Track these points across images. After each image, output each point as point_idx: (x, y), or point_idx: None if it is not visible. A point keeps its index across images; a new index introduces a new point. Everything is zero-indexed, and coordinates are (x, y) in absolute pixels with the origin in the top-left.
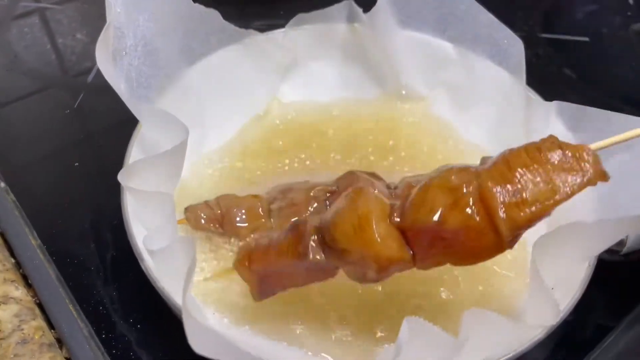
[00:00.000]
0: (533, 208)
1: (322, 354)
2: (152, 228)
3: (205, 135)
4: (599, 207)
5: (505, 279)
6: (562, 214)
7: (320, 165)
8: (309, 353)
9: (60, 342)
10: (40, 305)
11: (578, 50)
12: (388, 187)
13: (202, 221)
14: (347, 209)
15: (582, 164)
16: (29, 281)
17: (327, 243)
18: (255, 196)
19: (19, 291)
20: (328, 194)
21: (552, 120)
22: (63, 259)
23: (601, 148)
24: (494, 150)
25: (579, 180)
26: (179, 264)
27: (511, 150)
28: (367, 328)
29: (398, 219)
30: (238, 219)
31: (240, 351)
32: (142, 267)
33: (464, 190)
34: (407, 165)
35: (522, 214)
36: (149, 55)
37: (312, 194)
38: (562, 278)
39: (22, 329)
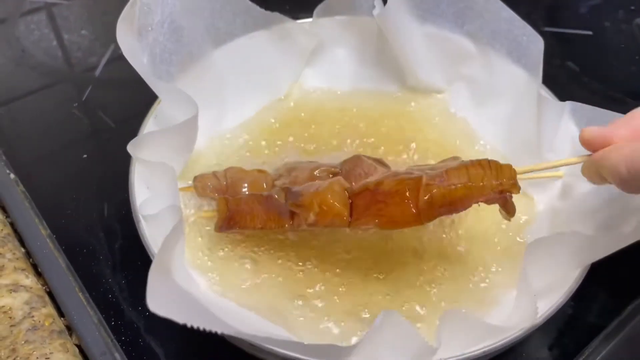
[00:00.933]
0: (448, 188)
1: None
2: (152, 195)
3: (224, 113)
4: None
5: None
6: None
7: (333, 150)
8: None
9: (70, 329)
10: (50, 294)
11: (581, 44)
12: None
13: (208, 190)
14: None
15: (500, 173)
16: (39, 270)
17: (292, 192)
18: (261, 171)
19: (29, 279)
20: (331, 175)
21: (564, 119)
22: (72, 249)
23: (525, 172)
24: (507, 148)
25: (495, 186)
26: (168, 229)
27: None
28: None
29: (352, 187)
30: (241, 191)
31: (202, 315)
32: (139, 232)
33: (408, 177)
34: (417, 157)
35: (437, 190)
36: (175, 33)
37: (315, 173)
38: (551, 281)
39: (33, 316)
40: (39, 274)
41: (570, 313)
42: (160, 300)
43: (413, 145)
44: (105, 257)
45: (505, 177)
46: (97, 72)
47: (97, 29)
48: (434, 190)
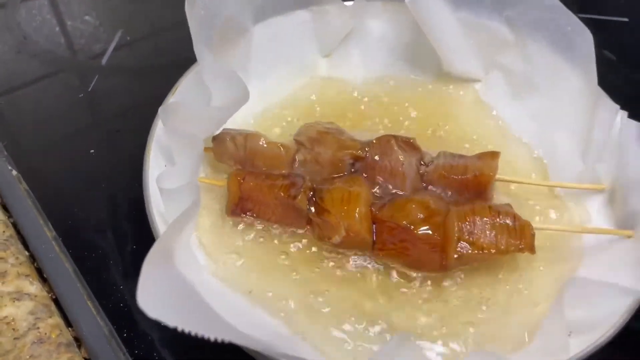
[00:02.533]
0: (476, 251)
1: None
2: (172, 167)
3: (250, 79)
4: None
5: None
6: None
7: (365, 129)
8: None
9: (78, 341)
10: (56, 302)
11: (617, 31)
12: (422, 159)
13: (225, 156)
14: (343, 185)
15: (522, 235)
16: (44, 275)
17: (315, 200)
18: (283, 146)
19: (33, 286)
20: (354, 161)
21: (615, 130)
22: (80, 252)
23: (541, 229)
24: (542, 147)
25: (515, 246)
26: (183, 205)
27: (479, 202)
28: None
29: (376, 211)
30: (260, 163)
31: (201, 318)
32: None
33: (437, 214)
34: (446, 146)
35: (468, 251)
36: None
37: (339, 154)
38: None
39: (38, 328)
40: (44, 279)
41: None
42: (154, 297)
43: (441, 133)
44: (116, 261)
45: (526, 239)
46: (104, 60)
47: (101, 14)
48: (465, 253)
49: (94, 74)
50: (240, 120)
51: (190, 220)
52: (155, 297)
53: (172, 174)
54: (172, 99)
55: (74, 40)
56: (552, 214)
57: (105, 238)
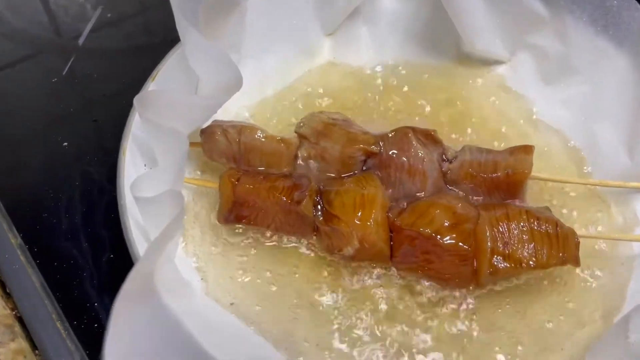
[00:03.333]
0: (513, 265)
1: None
2: (150, 171)
3: (244, 63)
4: None
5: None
6: None
7: (379, 117)
8: None
9: None
10: (21, 320)
11: None
12: (444, 154)
13: (216, 153)
14: (355, 186)
15: (565, 245)
16: (7, 290)
17: (322, 204)
18: (283, 140)
19: None
20: (366, 157)
21: None
22: (49, 262)
23: (586, 237)
24: (576, 142)
25: (557, 258)
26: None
27: (514, 205)
28: None
29: (394, 218)
30: (257, 160)
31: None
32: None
33: (466, 220)
34: (469, 140)
35: (504, 266)
36: None
37: (349, 150)
38: None
39: None
40: (7, 295)
41: None
42: (127, 349)
43: (465, 123)
44: (90, 273)
45: (569, 250)
46: (81, 40)
47: None
48: (500, 267)
49: (69, 56)
50: (233, 111)
51: (175, 234)
52: (128, 350)
53: (150, 179)
54: (151, 86)
55: (57, 18)
56: (593, 217)
57: (77, 246)
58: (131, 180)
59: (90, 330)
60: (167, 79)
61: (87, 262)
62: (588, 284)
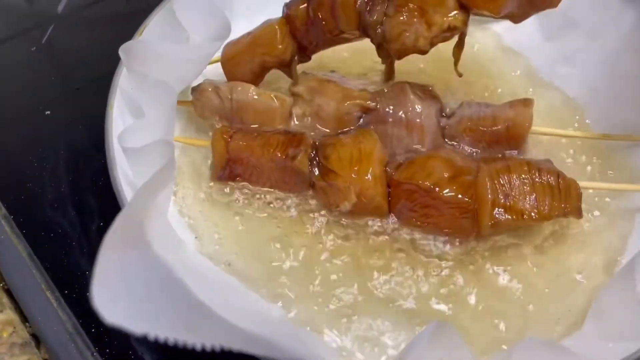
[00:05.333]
0: (515, 217)
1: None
2: (139, 121)
3: (235, 23)
4: None
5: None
6: None
7: (370, 76)
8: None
9: (37, 338)
10: (9, 292)
11: None
12: (442, 110)
13: (207, 110)
14: (351, 140)
15: (567, 196)
16: None
17: (318, 160)
18: (277, 97)
19: None
20: (363, 113)
21: None
22: (36, 233)
23: (587, 189)
24: (580, 97)
25: (559, 209)
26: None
27: (514, 157)
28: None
29: (392, 172)
30: (250, 118)
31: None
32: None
33: (465, 172)
34: (462, 97)
35: (505, 217)
36: None
37: (345, 106)
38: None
39: None
40: None
41: None
42: (115, 293)
43: (458, 85)
44: (80, 242)
45: (571, 201)
46: (60, 7)
47: None
48: (502, 219)
49: (48, 24)
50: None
51: (165, 185)
52: (116, 292)
53: (139, 130)
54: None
55: None
56: (595, 170)
57: (65, 215)
58: (118, 133)
59: (82, 300)
60: (154, 34)
61: (76, 230)
62: (588, 236)
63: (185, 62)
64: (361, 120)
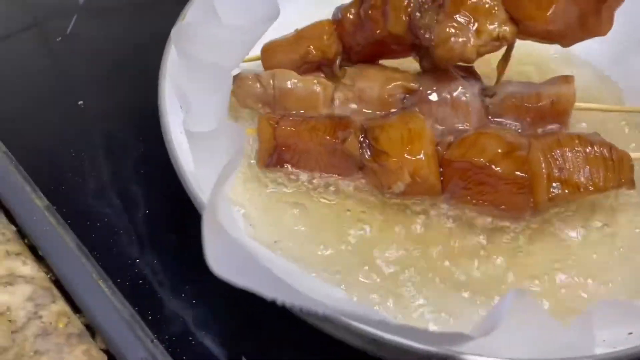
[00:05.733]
0: (572, 190)
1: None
2: (196, 107)
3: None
4: None
5: None
6: None
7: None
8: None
9: (91, 329)
10: (58, 284)
11: None
12: (484, 90)
13: (250, 99)
14: (399, 122)
15: (621, 169)
16: (40, 253)
17: (368, 142)
18: (319, 81)
19: (28, 267)
20: (406, 95)
21: None
22: (82, 223)
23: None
24: (616, 74)
25: (614, 181)
26: (222, 153)
27: (564, 133)
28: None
29: (443, 151)
30: (292, 104)
31: (267, 274)
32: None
33: (518, 147)
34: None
35: (562, 191)
36: None
37: (388, 88)
38: None
39: (41, 317)
40: (39, 258)
41: None
42: (221, 257)
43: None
44: (127, 230)
45: (625, 172)
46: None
47: None
48: (559, 193)
49: (71, 14)
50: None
51: (234, 170)
52: (221, 256)
53: (198, 115)
54: None
55: None
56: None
57: (110, 204)
58: (172, 120)
59: (137, 287)
60: (197, 18)
61: (122, 219)
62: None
63: (235, 45)
64: (405, 102)
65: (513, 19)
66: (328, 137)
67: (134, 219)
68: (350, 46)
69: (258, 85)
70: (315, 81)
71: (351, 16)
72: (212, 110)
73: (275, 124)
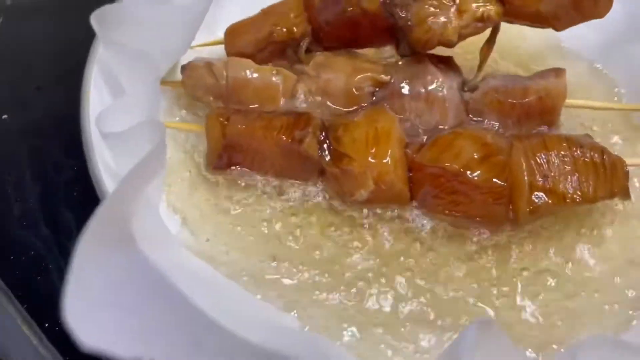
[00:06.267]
0: (557, 201)
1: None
2: (119, 101)
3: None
4: None
5: None
6: None
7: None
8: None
9: None
10: None
11: None
12: (464, 83)
13: (200, 90)
14: (366, 120)
15: (614, 177)
16: None
17: (330, 143)
18: (278, 70)
19: None
20: (376, 88)
21: None
22: (4, 257)
23: (635, 165)
24: (610, 66)
25: (605, 191)
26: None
27: (550, 134)
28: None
29: (413, 154)
30: (248, 97)
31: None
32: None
33: (498, 150)
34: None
35: (545, 202)
36: None
37: (356, 80)
38: None
39: None
40: None
41: None
42: (92, 309)
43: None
44: (57, 264)
45: (618, 180)
46: None
47: None
48: (542, 204)
49: None
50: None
51: (156, 173)
52: (97, 306)
53: (120, 111)
54: None
55: None
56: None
57: (37, 234)
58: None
59: (67, 333)
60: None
61: (51, 250)
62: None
63: (170, 28)
64: (375, 95)
65: None
66: (284, 137)
67: (64, 251)
68: (320, 26)
69: (210, 75)
70: (274, 71)
71: None
72: (135, 106)
73: (225, 121)
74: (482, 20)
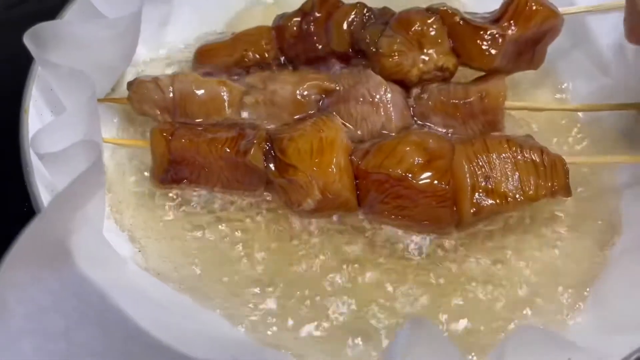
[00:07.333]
0: (498, 201)
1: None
2: (54, 123)
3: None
4: None
5: None
6: None
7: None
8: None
9: None
10: None
11: None
12: (408, 97)
13: (147, 105)
14: (311, 129)
15: (554, 175)
16: None
17: (275, 154)
18: (223, 82)
19: None
20: (322, 95)
21: None
22: None
23: (575, 164)
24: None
25: (546, 189)
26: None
27: (492, 135)
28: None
29: (358, 161)
30: (195, 110)
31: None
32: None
33: (440, 155)
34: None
35: (488, 202)
36: None
37: (302, 88)
38: None
39: None
40: None
41: None
42: (20, 333)
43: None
44: None
45: (559, 178)
46: None
47: None
48: (484, 205)
49: None
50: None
51: (94, 192)
52: (22, 332)
53: (57, 131)
54: None
55: None
56: (574, 142)
57: None
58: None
59: None
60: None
61: None
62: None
63: (105, 44)
64: (321, 103)
65: (456, 52)
66: (228, 150)
67: None
68: (289, 55)
69: (156, 89)
70: (220, 84)
71: (294, 27)
72: (72, 125)
73: (169, 135)
74: (441, 70)
